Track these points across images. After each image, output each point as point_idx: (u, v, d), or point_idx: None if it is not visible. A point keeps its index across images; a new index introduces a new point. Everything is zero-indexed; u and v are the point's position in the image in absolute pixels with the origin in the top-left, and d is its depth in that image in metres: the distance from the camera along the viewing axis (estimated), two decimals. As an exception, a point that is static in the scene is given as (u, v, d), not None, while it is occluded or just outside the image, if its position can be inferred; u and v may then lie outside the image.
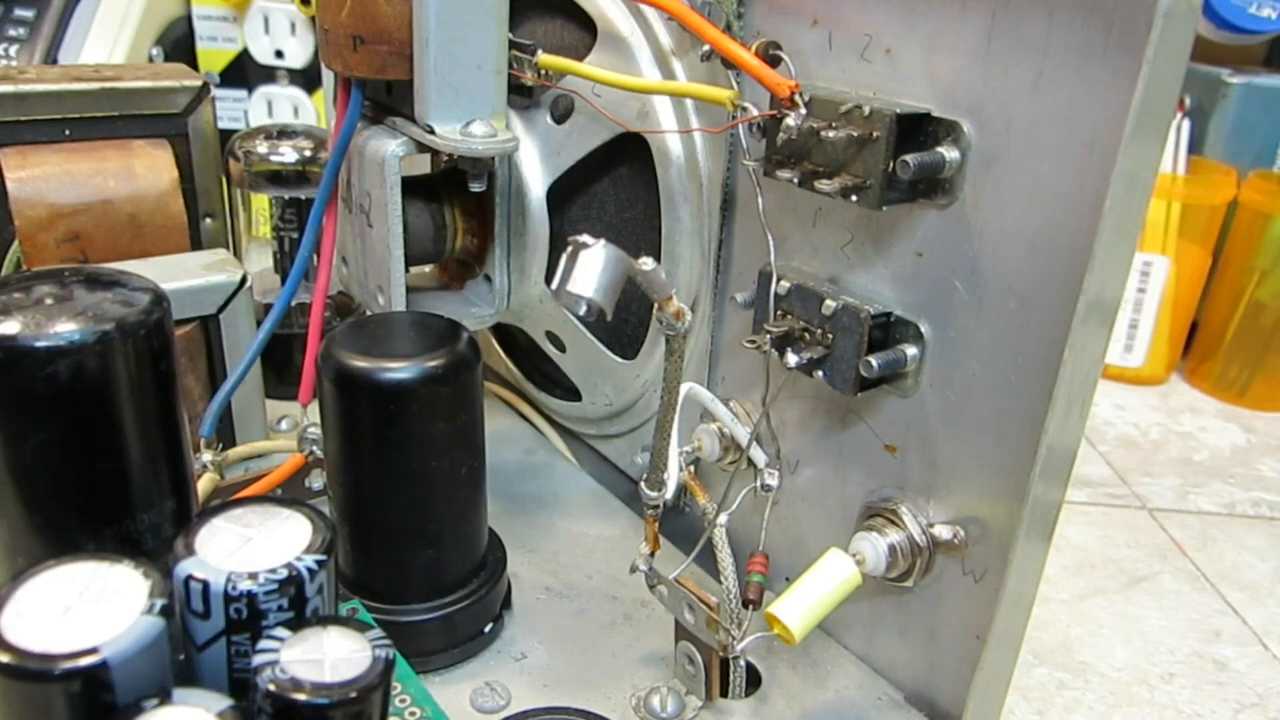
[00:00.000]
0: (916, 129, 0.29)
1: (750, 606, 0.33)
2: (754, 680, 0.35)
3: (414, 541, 0.34)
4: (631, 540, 0.43)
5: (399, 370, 0.32)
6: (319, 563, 0.23)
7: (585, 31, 0.42)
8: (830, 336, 0.32)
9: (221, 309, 0.43)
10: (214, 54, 0.92)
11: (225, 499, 0.27)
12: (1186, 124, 1.05)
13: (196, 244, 0.51)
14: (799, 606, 0.30)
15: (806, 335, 0.33)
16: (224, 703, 0.20)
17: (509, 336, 0.53)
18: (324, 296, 0.41)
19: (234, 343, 0.44)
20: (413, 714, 0.28)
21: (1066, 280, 0.26)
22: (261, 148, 0.51)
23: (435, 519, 0.34)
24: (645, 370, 0.43)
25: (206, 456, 0.41)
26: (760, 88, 0.31)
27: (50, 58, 0.81)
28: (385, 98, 0.41)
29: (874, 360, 0.30)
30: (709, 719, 0.34)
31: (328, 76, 0.51)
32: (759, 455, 0.37)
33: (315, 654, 0.21)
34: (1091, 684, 0.57)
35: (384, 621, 0.32)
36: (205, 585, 0.22)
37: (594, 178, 0.43)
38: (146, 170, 0.48)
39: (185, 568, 0.22)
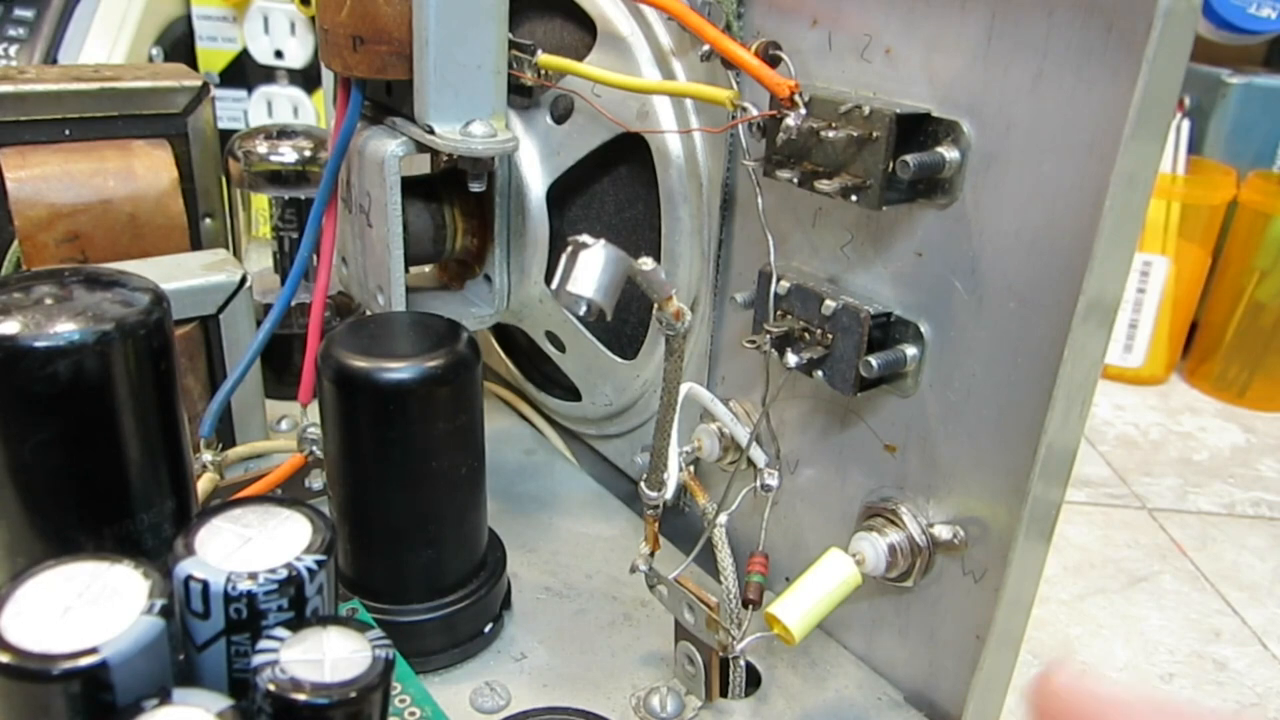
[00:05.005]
0: (916, 129, 0.29)
1: (750, 606, 0.33)
2: (754, 680, 0.35)
3: (414, 541, 0.34)
4: (631, 540, 0.43)
5: (399, 370, 0.32)
6: (319, 563, 0.23)
7: (585, 31, 0.42)
8: (830, 336, 0.32)
9: (221, 309, 0.43)
10: (214, 54, 0.92)
11: (225, 499, 0.27)
12: (1186, 124, 1.05)
13: (196, 244, 0.51)
14: (799, 606, 0.30)
15: (806, 335, 0.33)
16: (224, 703, 0.20)
17: (509, 336, 0.53)
18: (324, 296, 0.41)
19: (234, 343, 0.44)
20: (413, 714, 0.28)
21: (1066, 280, 0.26)
22: (261, 148, 0.51)
23: (435, 519, 0.34)
24: (645, 370, 0.43)
25: (206, 456, 0.41)
26: (760, 88, 0.31)
27: (50, 58, 0.81)
28: (385, 98, 0.41)
29: (874, 360, 0.30)
30: (709, 719, 0.34)
31: (328, 76, 0.51)
32: (759, 455, 0.37)
33: (315, 654, 0.21)
34: (1091, 684, 0.57)
35: (384, 621, 0.32)
36: (205, 585, 0.22)
37: (594, 178, 0.43)
38: (146, 170, 0.48)
39: (185, 568, 0.22)
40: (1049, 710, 0.18)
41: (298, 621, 0.22)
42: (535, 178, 0.43)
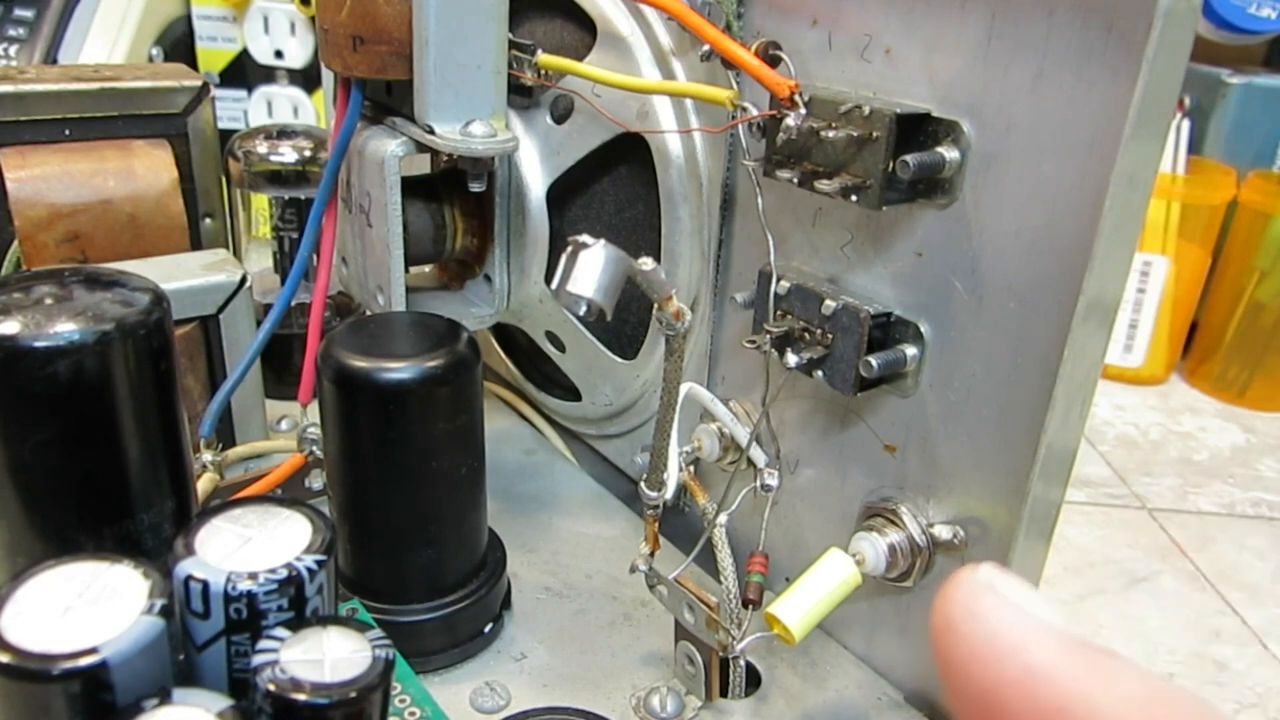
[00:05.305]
0: (916, 129, 0.29)
1: (750, 606, 0.33)
2: (754, 680, 0.35)
3: (414, 541, 0.34)
4: (631, 540, 0.43)
5: (399, 370, 0.32)
6: (319, 563, 0.23)
7: (585, 31, 0.42)
8: (830, 336, 0.32)
9: (221, 309, 0.43)
10: (214, 54, 0.92)
11: (225, 499, 0.27)
12: (1186, 124, 1.05)
13: (196, 244, 0.51)
14: (799, 606, 0.30)
15: (806, 335, 0.33)
16: (224, 703, 0.20)
17: (509, 336, 0.53)
18: (324, 296, 0.41)
19: (234, 343, 0.44)
20: (413, 714, 0.28)
21: (1066, 280, 0.26)
22: (261, 148, 0.51)
23: (435, 519, 0.34)
24: (645, 370, 0.43)
25: (206, 456, 0.41)
26: (760, 88, 0.31)
27: (50, 58, 0.81)
28: (385, 98, 0.41)
29: (874, 360, 0.30)
30: (709, 719, 0.34)
31: (328, 76, 0.51)
32: (759, 455, 0.37)
33: (315, 654, 0.21)
34: (1091, 684, 0.57)
35: (384, 621, 0.32)
36: (205, 585, 0.22)
37: (594, 178, 0.43)
38: (146, 170, 0.48)
39: (185, 568, 0.22)
40: (951, 640, 0.14)
41: (298, 621, 0.22)
42: (535, 178, 0.43)
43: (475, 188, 0.40)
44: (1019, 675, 0.13)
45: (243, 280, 0.43)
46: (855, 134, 0.29)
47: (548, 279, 0.44)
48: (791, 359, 0.32)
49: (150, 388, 0.29)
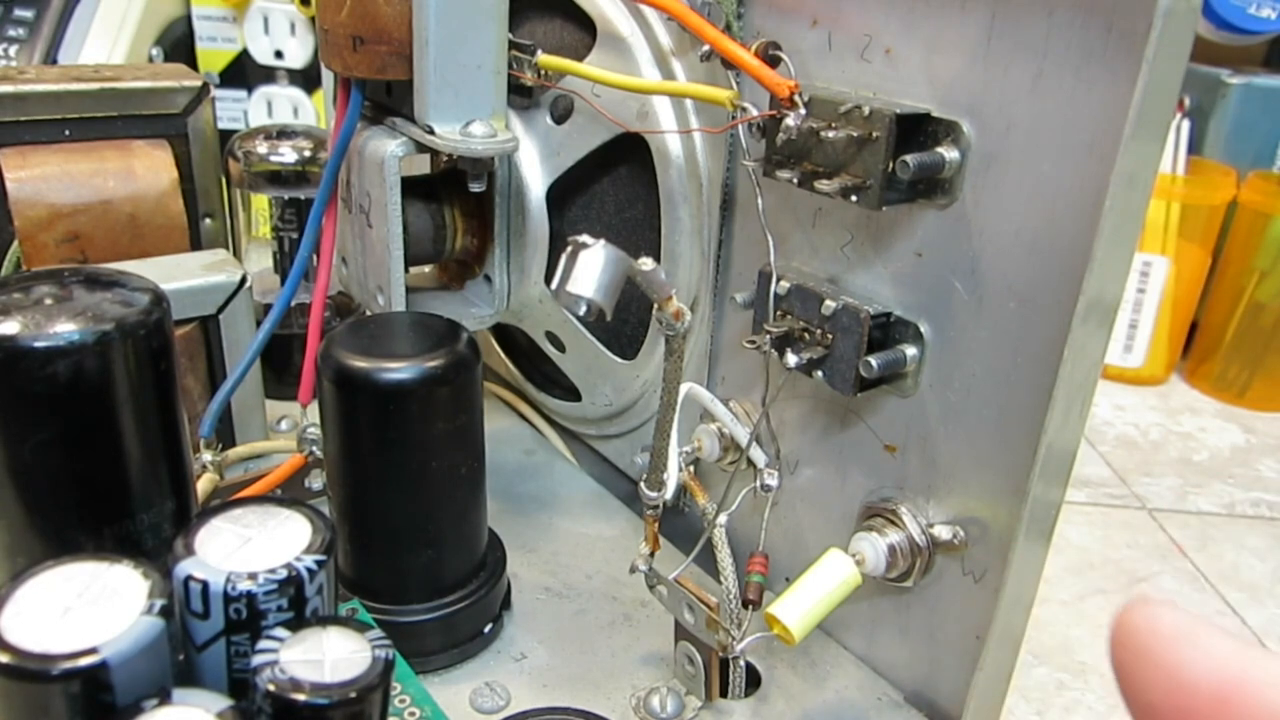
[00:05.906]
0: (916, 129, 0.29)
1: (750, 606, 0.33)
2: (754, 680, 0.35)
3: (414, 541, 0.34)
4: (631, 540, 0.43)
5: (399, 370, 0.32)
6: (319, 563, 0.23)
7: (585, 31, 0.42)
8: (830, 337, 0.32)
9: (221, 309, 0.43)
10: (214, 54, 0.92)
11: (225, 499, 0.27)
12: (1186, 124, 1.05)
13: (196, 244, 0.51)
14: (799, 607, 0.30)
15: (806, 335, 0.33)
16: (224, 703, 0.20)
17: (509, 336, 0.53)
18: (324, 296, 0.41)
19: (234, 343, 0.44)
20: (413, 714, 0.28)
21: (1066, 280, 0.26)
22: (261, 148, 0.51)
23: (435, 519, 0.34)
24: (645, 370, 0.43)
25: (206, 456, 0.41)
26: (760, 88, 0.31)
27: (50, 58, 0.81)
28: (385, 98, 0.41)
29: (874, 360, 0.30)
30: (709, 719, 0.34)
31: (328, 76, 0.51)
32: (759, 455, 0.37)
33: (315, 654, 0.21)
34: (1091, 684, 0.57)
35: (384, 621, 0.32)
36: (205, 585, 0.22)
37: (594, 178, 0.43)
38: (146, 170, 0.48)
39: (185, 568, 0.22)
40: (1131, 646, 0.14)
41: (298, 621, 0.22)
42: (535, 178, 0.43)
43: (475, 188, 0.40)
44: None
45: (243, 280, 0.43)
46: (855, 134, 0.29)
47: (548, 279, 0.44)
48: (791, 359, 0.32)
49: (150, 388, 0.29)
